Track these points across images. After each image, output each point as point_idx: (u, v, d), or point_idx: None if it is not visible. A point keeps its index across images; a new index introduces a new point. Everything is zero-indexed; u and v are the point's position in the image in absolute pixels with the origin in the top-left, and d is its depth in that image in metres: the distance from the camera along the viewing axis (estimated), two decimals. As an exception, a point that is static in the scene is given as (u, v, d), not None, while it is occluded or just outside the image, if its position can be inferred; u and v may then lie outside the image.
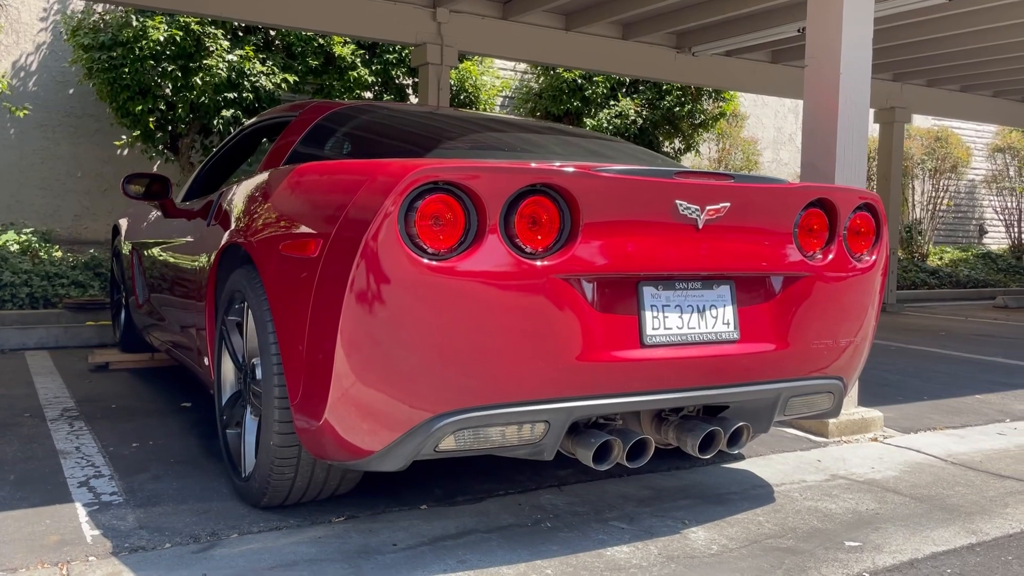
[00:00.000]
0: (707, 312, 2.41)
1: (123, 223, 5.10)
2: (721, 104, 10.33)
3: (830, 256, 2.63)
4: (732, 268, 2.42)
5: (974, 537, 2.59)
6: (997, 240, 16.53)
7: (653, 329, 2.31)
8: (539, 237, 2.15)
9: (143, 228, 4.52)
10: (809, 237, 2.60)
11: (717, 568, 2.32)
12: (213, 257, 2.87)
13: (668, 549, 2.46)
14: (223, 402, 2.88)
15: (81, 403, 4.06)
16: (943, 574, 2.31)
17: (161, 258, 3.87)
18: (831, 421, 3.73)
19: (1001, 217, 15.76)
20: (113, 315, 5.47)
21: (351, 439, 2.17)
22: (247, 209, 2.68)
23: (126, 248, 4.82)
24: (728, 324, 2.44)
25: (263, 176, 2.74)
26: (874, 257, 2.76)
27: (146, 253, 4.28)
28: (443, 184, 2.05)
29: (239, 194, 2.86)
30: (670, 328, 2.34)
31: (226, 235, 2.78)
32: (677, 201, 2.29)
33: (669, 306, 2.35)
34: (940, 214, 14.55)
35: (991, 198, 16.03)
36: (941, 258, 13.80)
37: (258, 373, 2.57)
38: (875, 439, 3.83)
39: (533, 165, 2.13)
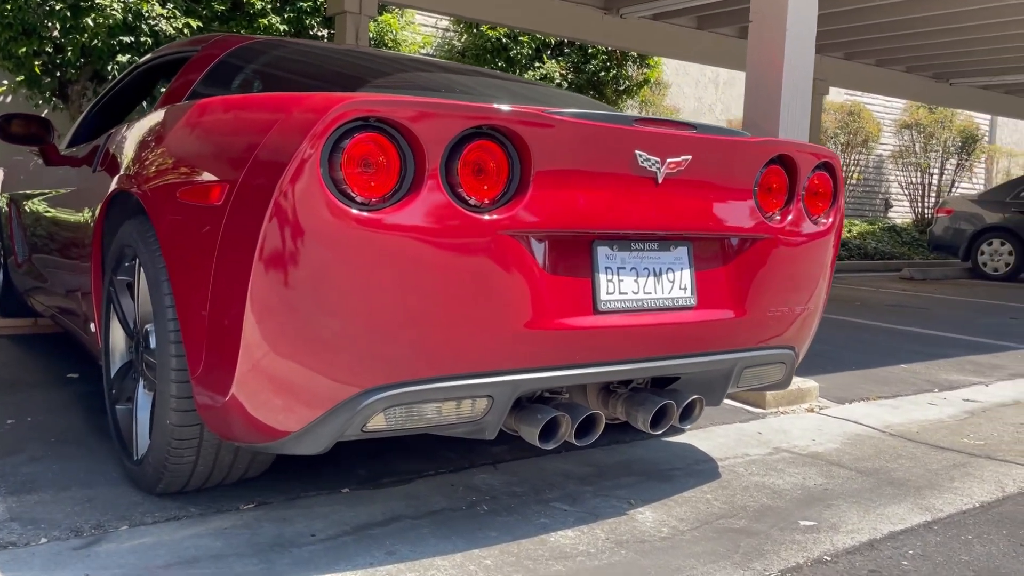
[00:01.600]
0: (664, 276, 2.19)
1: None
2: (645, 71, 10.19)
3: (789, 217, 2.45)
4: (691, 228, 2.21)
5: (929, 514, 2.48)
6: (901, 214, 17.05)
7: (608, 294, 2.08)
8: (485, 187, 1.88)
9: (22, 179, 4.03)
10: (768, 196, 2.40)
11: (670, 553, 2.13)
12: (99, 208, 2.49)
13: (616, 533, 2.25)
14: (112, 374, 2.52)
15: (-50, 374, 3.60)
16: (905, 555, 2.17)
17: (42, 212, 3.43)
18: (768, 392, 3.61)
19: (906, 192, 16.24)
20: (-9, 276, 4.94)
21: (263, 418, 1.87)
22: (139, 152, 2.31)
23: (3, 201, 4.32)
24: (685, 289, 2.23)
25: (158, 115, 2.37)
26: (831, 220, 2.60)
27: (26, 207, 3.81)
28: (375, 121, 1.75)
29: (130, 136, 2.49)
30: (625, 293, 2.11)
31: (114, 182, 2.41)
32: (637, 151, 2.05)
33: (624, 269, 2.12)
34: (850, 188, 14.87)
35: (897, 173, 16.49)
36: (850, 231, 14.11)
37: (152, 341, 2.23)
38: (811, 410, 3.73)
39: (480, 104, 1.85)
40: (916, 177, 15.89)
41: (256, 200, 1.75)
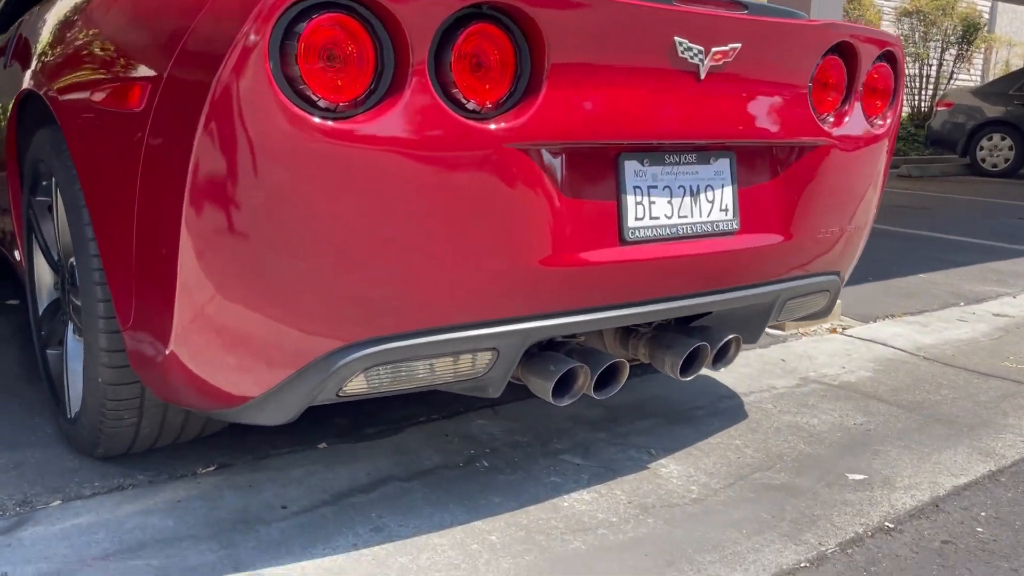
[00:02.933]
0: (702, 195, 1.80)
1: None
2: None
3: (845, 120, 2.04)
4: (736, 135, 1.80)
5: (991, 462, 2.17)
6: (896, 107, 16.49)
7: (636, 220, 1.68)
8: (486, 87, 1.46)
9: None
10: (823, 94, 1.99)
11: (705, 522, 1.81)
12: (10, 111, 2.04)
13: (638, 494, 1.93)
14: (40, 312, 2.13)
15: None
16: (978, 519, 1.87)
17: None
18: (791, 312, 3.26)
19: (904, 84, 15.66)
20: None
21: (213, 380, 1.49)
22: (49, 42, 1.85)
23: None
24: (727, 211, 1.84)
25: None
26: (888, 121, 2.19)
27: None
28: (342, -2, 1.31)
29: (44, 20, 2.01)
30: (657, 218, 1.72)
31: (25, 79, 1.95)
32: (677, 39, 1.62)
33: (656, 188, 1.72)
34: (847, 79, 14.30)
35: (894, 64, 15.84)
36: (846, 125, 13.61)
37: (77, 275, 1.83)
38: (834, 330, 3.41)
39: (477, -26, 1.41)
40: (914, 69, 15.30)
41: (185, 104, 1.32)
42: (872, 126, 2.14)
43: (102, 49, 1.58)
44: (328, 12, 1.31)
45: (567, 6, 1.48)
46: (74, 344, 1.92)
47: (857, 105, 2.08)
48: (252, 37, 1.26)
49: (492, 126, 1.46)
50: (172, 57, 1.35)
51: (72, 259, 1.85)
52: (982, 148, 11.67)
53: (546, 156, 1.55)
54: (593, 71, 1.55)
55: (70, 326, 1.93)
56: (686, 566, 1.64)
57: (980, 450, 2.25)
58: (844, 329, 3.42)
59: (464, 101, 1.44)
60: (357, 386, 1.52)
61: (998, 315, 3.80)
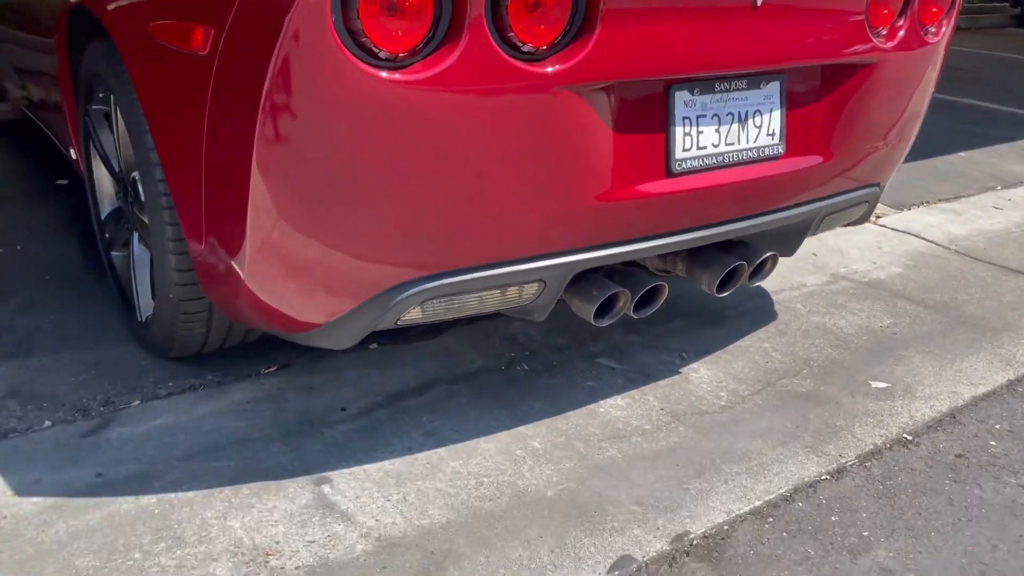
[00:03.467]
0: (750, 121, 1.81)
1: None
2: None
3: (900, 34, 2.00)
4: (790, 58, 1.79)
5: (1011, 370, 2.27)
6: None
7: (684, 151, 1.71)
8: (542, 27, 1.47)
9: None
10: (879, 7, 1.94)
11: (732, 432, 1.95)
12: (59, 18, 2.04)
13: (670, 400, 2.06)
14: (103, 216, 2.22)
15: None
16: (992, 431, 1.99)
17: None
18: (826, 202, 3.28)
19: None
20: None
21: (281, 308, 1.60)
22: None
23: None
24: (774, 135, 1.86)
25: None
26: (945, 28, 2.14)
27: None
28: (400, -53, 1.31)
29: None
30: (704, 147, 1.74)
31: (73, -10, 1.95)
32: (733, -33, 1.59)
33: (705, 116, 1.74)
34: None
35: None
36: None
37: (141, 192, 1.91)
38: (869, 220, 3.43)
39: (537, -85, 1.38)
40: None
41: (250, 57, 1.35)
42: (927, 35, 2.10)
43: (157, -23, 1.58)
44: (388, -37, 1.31)
45: (625, -57, 1.45)
46: (140, 252, 2.02)
47: (914, 15, 2.03)
48: (314, -7, 1.27)
49: (547, 68, 1.48)
50: (233, 7, 1.36)
51: (135, 174, 1.92)
52: (1037, -3, 11.10)
53: (598, 93, 1.57)
54: (648, 5, 1.54)
55: (135, 235, 2.02)
56: (714, 477, 1.78)
57: (1001, 357, 2.34)
58: (878, 218, 3.45)
59: (520, 44, 1.45)
60: (413, 316, 1.62)
61: (1034, 201, 3.79)
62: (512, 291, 1.66)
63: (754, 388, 2.14)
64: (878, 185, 2.25)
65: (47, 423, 1.84)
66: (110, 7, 1.72)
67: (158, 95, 1.59)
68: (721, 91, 1.75)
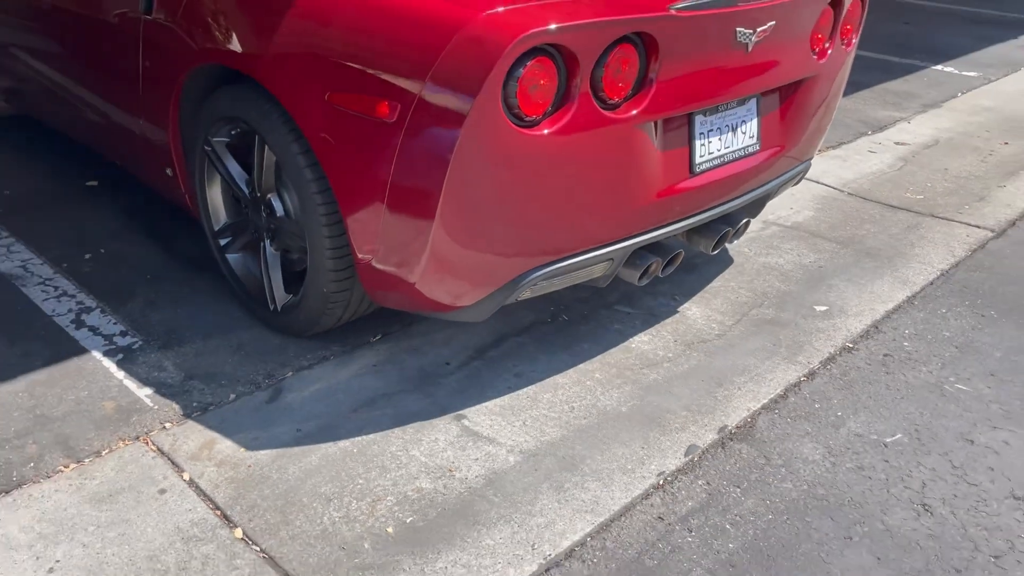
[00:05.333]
0: (738, 129, 2.50)
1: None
2: None
3: (829, 52, 2.73)
4: (765, 84, 2.48)
5: (907, 288, 3.12)
6: None
7: (701, 157, 2.39)
8: (619, 85, 2.09)
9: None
10: (817, 36, 2.66)
11: (731, 353, 2.69)
12: (183, 73, 2.47)
13: (679, 334, 2.78)
14: (216, 227, 2.69)
15: (-35, 191, 3.54)
16: (905, 336, 2.82)
17: (44, 23, 3.22)
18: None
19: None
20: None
21: (437, 297, 2.19)
22: (238, 18, 2.29)
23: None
24: (752, 137, 2.56)
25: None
26: (855, 38, 2.89)
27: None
28: (543, 46, 1.89)
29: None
30: (712, 152, 2.43)
31: (201, 43, 2.39)
32: (737, 28, 2.25)
33: (712, 131, 2.41)
34: None
35: None
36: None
37: (278, 208, 2.42)
38: (778, 169, 4.23)
39: (627, 17, 1.99)
40: None
41: (440, 120, 1.90)
42: (845, 46, 2.83)
43: (326, 54, 2.08)
44: (535, 57, 1.89)
45: (676, 24, 2.09)
46: (272, 256, 2.52)
47: (837, 37, 2.76)
48: (495, 80, 1.84)
49: (623, 114, 2.11)
50: (423, 85, 1.90)
51: (270, 195, 2.43)
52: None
53: (651, 125, 2.22)
54: (683, 61, 2.19)
55: (267, 242, 2.52)
56: (730, 386, 2.52)
57: (899, 279, 3.19)
58: (785, 168, 4.26)
59: (607, 99, 2.07)
60: (525, 294, 2.25)
61: (898, 143, 4.71)
62: (594, 268, 2.31)
63: (734, 319, 2.89)
64: (810, 159, 3.00)
65: (232, 396, 2.37)
66: (274, 74, 2.18)
67: (336, 146, 2.10)
68: (722, 111, 2.43)
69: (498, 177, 1.98)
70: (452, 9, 1.92)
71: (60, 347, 2.52)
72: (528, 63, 1.89)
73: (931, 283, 3.16)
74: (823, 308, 2.97)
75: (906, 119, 5.15)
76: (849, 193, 3.99)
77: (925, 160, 4.46)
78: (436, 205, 1.97)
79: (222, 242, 2.69)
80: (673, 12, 2.08)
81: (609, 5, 2.03)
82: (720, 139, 2.45)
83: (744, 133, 2.53)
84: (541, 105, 1.97)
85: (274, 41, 2.17)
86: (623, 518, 2.01)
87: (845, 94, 5.53)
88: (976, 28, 7.80)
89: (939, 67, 6.40)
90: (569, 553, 1.91)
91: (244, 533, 1.92)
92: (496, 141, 1.93)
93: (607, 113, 2.08)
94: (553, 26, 1.87)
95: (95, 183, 3.66)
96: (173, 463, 2.10)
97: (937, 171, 4.31)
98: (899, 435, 2.33)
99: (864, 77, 5.96)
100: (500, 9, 1.89)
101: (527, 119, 1.96)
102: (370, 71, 2.00)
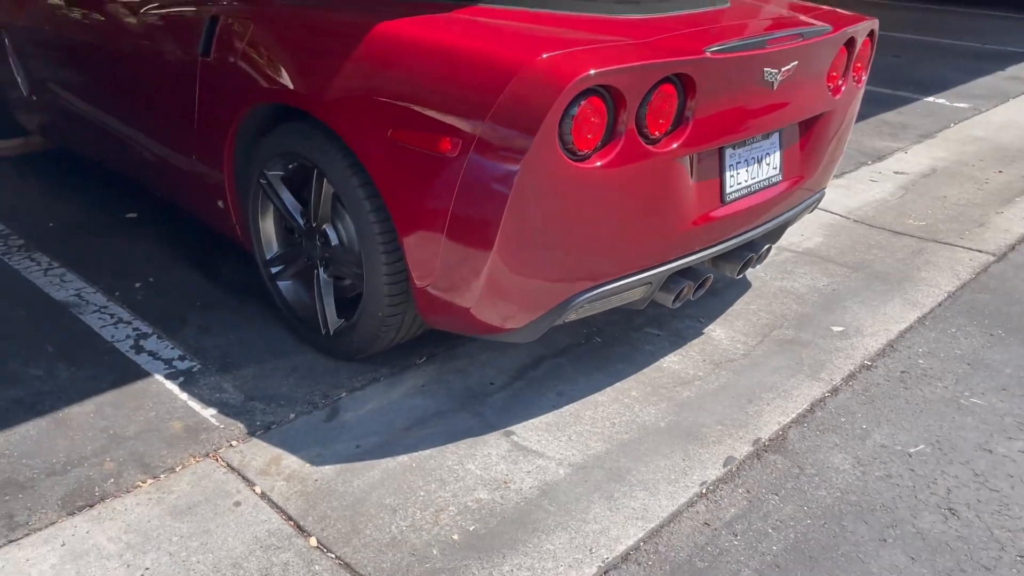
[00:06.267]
0: (763, 161, 2.68)
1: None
2: None
3: (843, 88, 2.91)
4: (789, 119, 2.66)
5: (917, 309, 3.28)
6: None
7: (731, 187, 2.56)
8: (660, 121, 2.25)
9: (11, 5, 3.80)
10: (832, 74, 2.84)
11: (757, 371, 2.84)
12: (240, 110, 2.63)
13: (706, 353, 2.93)
14: (268, 256, 2.83)
15: (11, 224, 3.67)
16: (919, 354, 2.98)
17: (92, 61, 3.37)
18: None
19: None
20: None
21: (490, 321, 2.33)
22: (299, 60, 2.45)
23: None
24: (776, 168, 2.73)
25: (307, 14, 2.48)
26: (865, 74, 3.08)
27: (41, 40, 3.66)
28: (597, 87, 2.06)
29: (267, 32, 2.57)
30: (740, 183, 2.60)
31: (261, 84, 2.54)
32: (765, 69, 2.43)
33: (740, 163, 2.58)
34: None
35: None
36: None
37: (333, 238, 2.57)
38: (785, 198, 4.42)
39: (672, 60, 2.16)
40: None
41: (499, 156, 2.06)
42: (857, 82, 3.03)
43: (387, 94, 2.24)
44: (588, 97, 2.06)
45: (712, 66, 2.26)
46: (326, 282, 2.66)
47: (849, 75, 2.95)
48: (552, 118, 2.00)
49: (666, 149, 2.27)
50: (483, 123, 2.06)
51: (325, 225, 2.58)
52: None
53: (687, 158, 2.38)
54: (716, 99, 2.36)
55: (321, 269, 2.66)
56: (759, 401, 2.66)
57: (909, 301, 3.36)
58: (792, 196, 4.44)
59: (650, 135, 2.24)
60: (571, 316, 2.39)
61: (897, 172, 4.92)
62: (634, 292, 2.46)
63: (757, 339, 3.04)
64: (824, 188, 3.18)
65: (292, 415, 2.49)
66: (338, 112, 2.34)
67: (398, 180, 2.25)
68: (749, 144, 2.60)
69: (552, 208, 2.14)
70: (509, 53, 2.09)
71: (124, 371, 2.64)
72: (582, 102, 2.05)
73: (939, 304, 3.33)
74: (840, 328, 3.13)
75: (903, 149, 5.36)
76: (855, 220, 4.17)
77: (924, 188, 4.66)
78: (495, 234, 2.13)
79: (274, 270, 2.83)
80: (709, 55, 2.25)
81: (652, 49, 2.20)
82: (747, 170, 2.62)
83: (768, 164, 2.70)
84: (592, 140, 2.13)
85: (337, 82, 2.33)
86: (672, 524, 2.14)
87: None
88: (961, 61, 8.09)
89: (931, 99, 6.65)
90: (625, 556, 2.04)
91: (319, 541, 2.04)
92: (551, 174, 2.09)
93: (649, 147, 2.25)
94: (605, 69, 2.03)
95: (135, 215, 3.80)
96: (244, 478, 2.23)
97: (937, 199, 4.51)
98: (922, 446, 2.48)
99: (861, 108, 6.14)
100: (555, 53, 2.06)
101: (579, 153, 2.12)
102: (432, 110, 2.16)
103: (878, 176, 4.84)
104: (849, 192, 4.56)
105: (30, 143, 4.54)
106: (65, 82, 3.61)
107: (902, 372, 2.86)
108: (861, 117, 5.98)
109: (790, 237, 3.92)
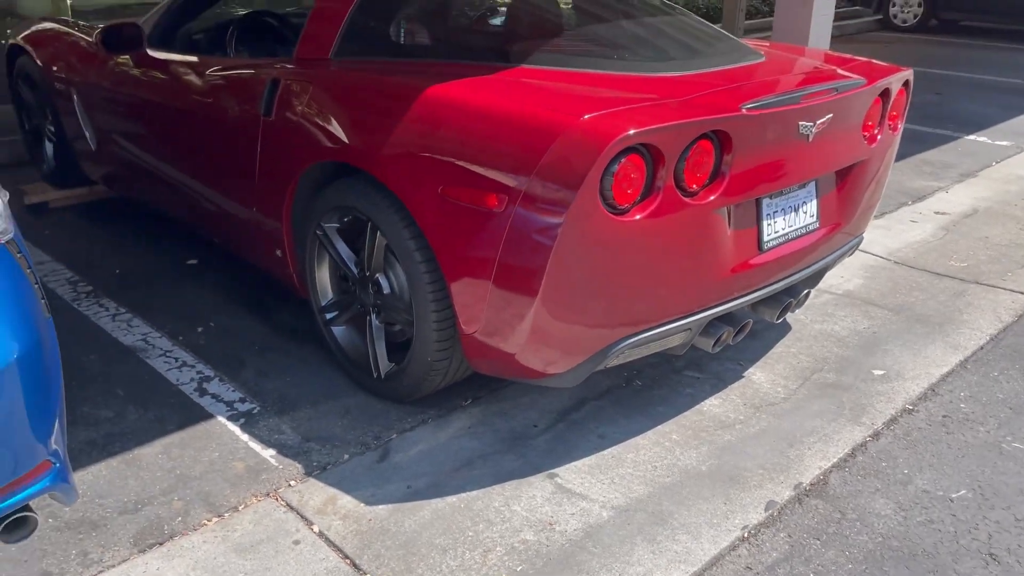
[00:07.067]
0: (800, 209, 2.75)
1: (31, 47, 4.46)
2: None
3: (879, 137, 2.98)
4: (825, 169, 2.74)
5: (959, 353, 3.30)
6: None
7: (768, 236, 2.64)
8: (698, 175, 2.35)
9: (81, 67, 4.04)
10: (868, 124, 2.92)
11: (798, 416, 2.88)
12: (302, 169, 2.79)
13: (746, 397, 2.98)
14: (323, 303, 2.97)
15: (80, 270, 3.87)
16: (961, 398, 3.00)
17: (157, 118, 3.58)
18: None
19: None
20: (29, 145, 4.93)
21: (534, 366, 2.43)
22: (355, 121, 2.60)
23: (58, 83, 4.29)
24: (812, 216, 2.80)
25: (362, 78, 2.64)
26: (902, 125, 3.15)
27: (108, 98, 3.89)
28: (637, 144, 2.17)
29: (325, 94, 2.73)
30: (778, 231, 2.67)
31: (319, 143, 2.70)
32: (800, 122, 2.52)
33: (778, 212, 2.67)
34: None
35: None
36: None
37: (385, 286, 2.69)
38: (825, 239, 4.46)
39: (705, 118, 2.27)
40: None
41: (543, 210, 2.17)
42: (893, 132, 3.09)
43: (437, 152, 2.37)
44: (628, 155, 2.16)
45: (748, 122, 2.36)
46: (378, 328, 2.79)
47: (886, 123, 3.02)
48: (594, 176, 2.11)
49: (703, 201, 2.37)
50: (528, 180, 2.18)
51: (378, 274, 2.70)
52: (893, 4, 12.69)
53: (725, 209, 2.47)
54: (752, 152, 2.45)
55: (373, 315, 2.78)
56: (800, 446, 2.71)
57: (950, 344, 3.38)
58: (832, 238, 4.49)
59: (688, 189, 2.34)
60: (613, 361, 2.48)
61: (938, 212, 4.93)
62: (673, 338, 2.54)
63: (798, 383, 3.09)
64: (863, 233, 3.24)
65: (346, 456, 2.61)
66: (389, 169, 2.47)
67: (448, 232, 2.37)
68: (786, 194, 2.69)
69: (594, 258, 2.24)
70: (552, 114, 2.21)
71: (188, 413, 2.78)
72: (622, 160, 2.16)
73: (981, 347, 3.35)
74: (881, 372, 3.17)
75: (944, 188, 5.37)
76: (895, 262, 4.20)
77: (966, 229, 4.68)
78: (540, 284, 2.23)
79: (328, 316, 2.96)
80: (745, 111, 2.35)
81: (689, 107, 2.31)
82: (784, 219, 2.70)
83: (805, 212, 2.78)
84: (632, 195, 2.23)
85: (390, 142, 2.47)
86: (714, 567, 2.20)
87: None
88: (1002, 97, 8.06)
89: (972, 137, 6.64)
90: (668, 598, 2.10)
91: (373, 580, 2.13)
92: (593, 227, 2.19)
93: (687, 200, 2.34)
94: (644, 129, 2.14)
95: (195, 261, 3.99)
96: (302, 517, 2.34)
97: (978, 239, 4.52)
98: (963, 491, 2.50)
99: (901, 148, 6.18)
100: (596, 114, 2.18)
101: (619, 207, 2.22)
102: (480, 168, 2.28)
103: (919, 216, 4.86)
104: (889, 233, 4.59)
105: (94, 191, 4.77)
106: (130, 136, 3.82)
107: (944, 416, 2.89)
108: (901, 156, 6.00)
109: (830, 279, 3.96)
